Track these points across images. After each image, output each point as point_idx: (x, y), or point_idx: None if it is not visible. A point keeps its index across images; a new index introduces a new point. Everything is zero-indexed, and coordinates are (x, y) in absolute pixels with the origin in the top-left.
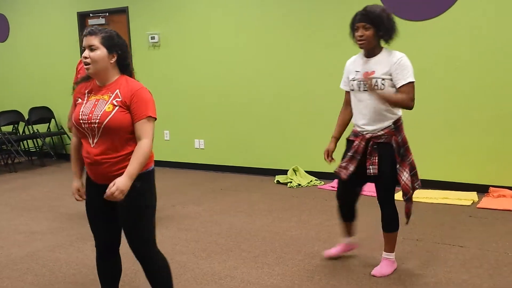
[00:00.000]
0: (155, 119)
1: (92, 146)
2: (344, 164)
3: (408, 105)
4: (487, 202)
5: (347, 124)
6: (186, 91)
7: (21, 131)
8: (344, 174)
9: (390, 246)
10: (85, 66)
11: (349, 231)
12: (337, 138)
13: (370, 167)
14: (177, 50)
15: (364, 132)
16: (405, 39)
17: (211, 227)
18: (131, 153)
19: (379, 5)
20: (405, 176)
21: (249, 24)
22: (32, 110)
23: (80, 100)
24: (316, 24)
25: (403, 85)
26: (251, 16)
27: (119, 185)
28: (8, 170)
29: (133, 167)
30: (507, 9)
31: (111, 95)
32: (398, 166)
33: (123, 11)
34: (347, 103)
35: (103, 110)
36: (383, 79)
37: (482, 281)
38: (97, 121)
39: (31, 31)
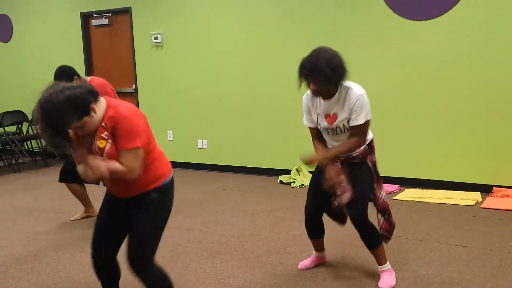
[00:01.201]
0: (141, 147)
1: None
2: (339, 192)
3: (358, 146)
4: (491, 202)
5: None
6: (189, 91)
7: (24, 131)
8: (346, 198)
9: (381, 260)
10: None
11: (320, 247)
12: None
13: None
14: (180, 50)
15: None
16: (407, 39)
17: (214, 227)
18: (145, 171)
19: (323, 56)
20: (382, 194)
21: (251, 24)
22: None
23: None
24: (317, 24)
25: (358, 125)
26: (253, 16)
27: (94, 165)
28: (12, 170)
29: (111, 166)
30: (508, 9)
31: (100, 128)
32: (375, 185)
33: (126, 11)
34: (318, 138)
35: (97, 146)
36: (347, 121)
37: (485, 281)
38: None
39: (34, 32)
